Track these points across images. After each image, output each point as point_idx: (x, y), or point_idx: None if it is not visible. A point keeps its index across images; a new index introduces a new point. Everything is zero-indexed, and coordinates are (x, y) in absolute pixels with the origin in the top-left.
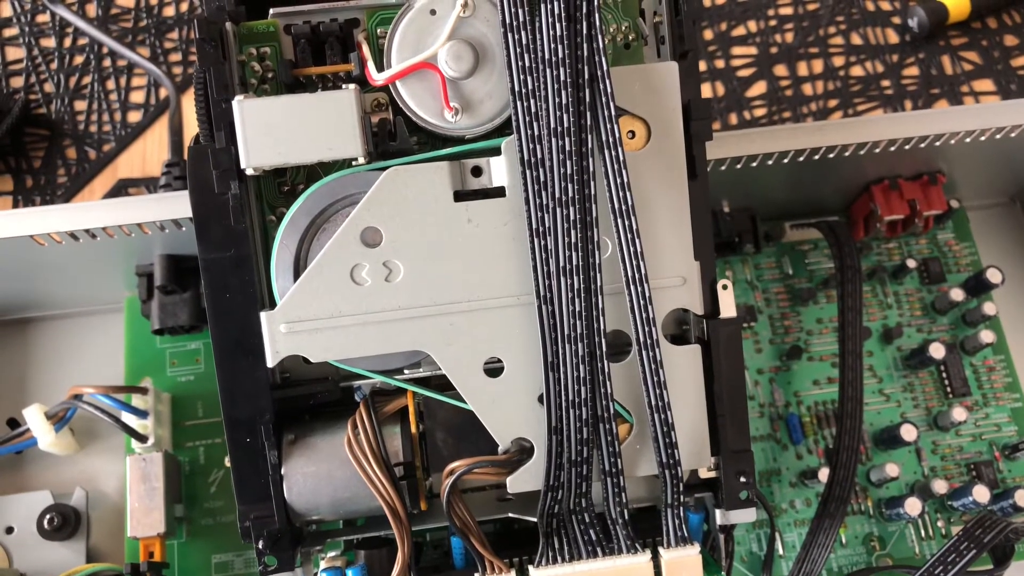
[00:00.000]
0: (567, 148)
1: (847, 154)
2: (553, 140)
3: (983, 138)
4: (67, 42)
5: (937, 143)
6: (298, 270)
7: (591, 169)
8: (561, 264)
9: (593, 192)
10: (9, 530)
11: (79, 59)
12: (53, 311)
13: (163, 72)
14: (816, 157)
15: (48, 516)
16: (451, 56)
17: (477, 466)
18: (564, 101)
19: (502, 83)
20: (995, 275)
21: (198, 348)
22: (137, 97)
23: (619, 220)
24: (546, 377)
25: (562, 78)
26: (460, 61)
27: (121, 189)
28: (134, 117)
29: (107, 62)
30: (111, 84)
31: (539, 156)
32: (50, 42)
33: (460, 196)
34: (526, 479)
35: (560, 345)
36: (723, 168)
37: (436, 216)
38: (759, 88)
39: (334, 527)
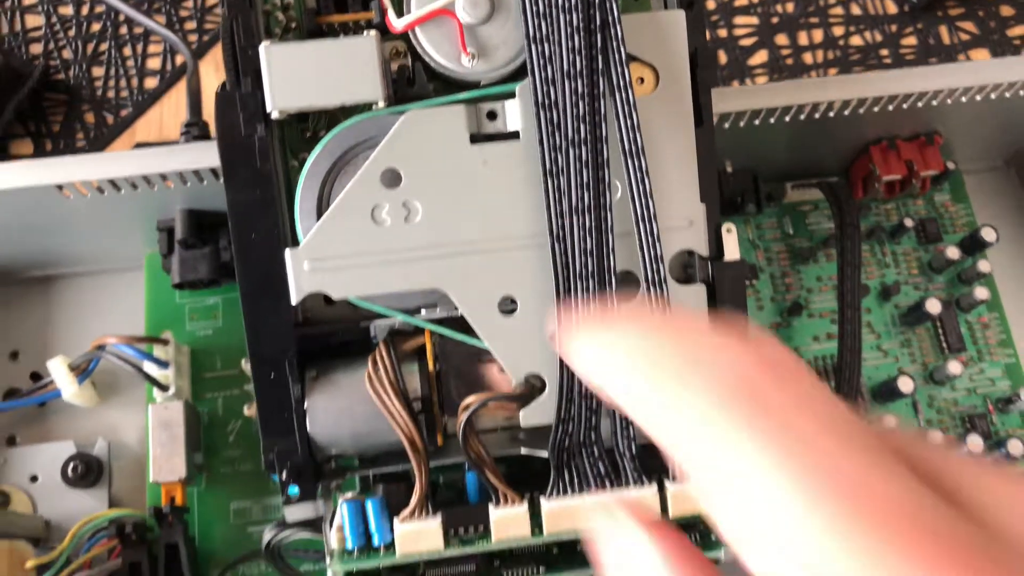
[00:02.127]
0: (579, 90)
1: (847, 112)
2: (566, 82)
3: (979, 98)
4: (84, 10)
5: (935, 102)
6: (320, 212)
7: (603, 111)
8: (573, 203)
9: (604, 134)
10: (33, 478)
11: (96, 26)
12: (74, 268)
13: (179, 39)
14: (817, 115)
15: (72, 464)
16: (468, 2)
17: (492, 399)
18: (576, 45)
19: (517, 29)
20: (990, 233)
21: (216, 303)
22: (154, 64)
23: (629, 161)
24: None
25: (575, 23)
26: (476, 7)
27: None
28: (151, 83)
29: (124, 29)
30: (128, 51)
31: (552, 98)
32: (68, 10)
33: (476, 139)
34: (538, 412)
35: (572, 283)
36: (726, 126)
37: (453, 158)
38: (761, 57)
39: (352, 464)
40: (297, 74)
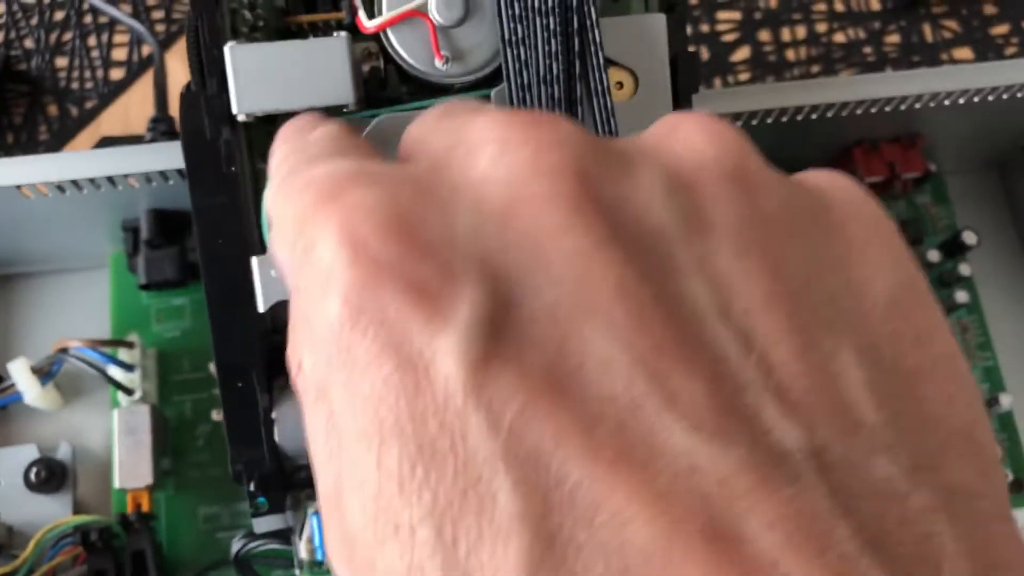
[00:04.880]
0: (556, 95)
1: (830, 115)
2: (543, 88)
3: (962, 101)
4: None
5: (917, 105)
6: None
7: (580, 116)
8: None
9: None
10: None
11: (59, 15)
12: (34, 267)
13: (146, 29)
14: (799, 118)
15: (34, 469)
16: (442, 4)
17: None
18: (554, 49)
19: (492, 32)
20: (971, 237)
21: (184, 304)
22: (119, 54)
23: None
24: None
25: (551, 27)
26: (450, 9)
27: (104, 146)
28: (116, 74)
29: (88, 18)
30: (92, 41)
31: (528, 103)
32: None
33: None
34: None
35: None
36: None
37: None
38: (743, 53)
39: None
40: (264, 75)
